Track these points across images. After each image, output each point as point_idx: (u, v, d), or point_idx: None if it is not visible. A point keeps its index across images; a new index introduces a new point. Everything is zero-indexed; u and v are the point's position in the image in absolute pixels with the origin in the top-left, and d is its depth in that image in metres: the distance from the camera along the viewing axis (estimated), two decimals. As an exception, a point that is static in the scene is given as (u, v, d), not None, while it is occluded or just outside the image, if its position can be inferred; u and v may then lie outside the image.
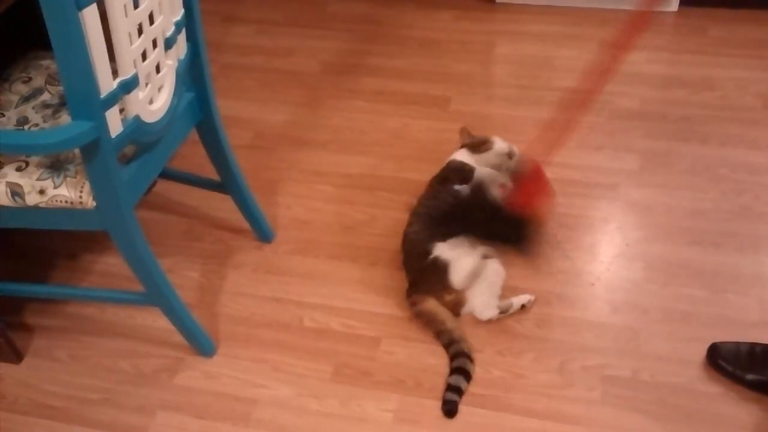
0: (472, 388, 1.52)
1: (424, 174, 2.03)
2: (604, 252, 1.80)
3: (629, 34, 1.40)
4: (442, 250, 1.62)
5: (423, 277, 1.64)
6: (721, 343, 1.51)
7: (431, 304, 1.62)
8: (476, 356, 1.57)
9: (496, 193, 1.64)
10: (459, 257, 1.61)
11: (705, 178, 1.98)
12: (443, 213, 1.67)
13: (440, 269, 1.61)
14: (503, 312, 1.63)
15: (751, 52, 2.45)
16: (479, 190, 1.67)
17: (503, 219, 1.56)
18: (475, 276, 1.61)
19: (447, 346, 1.58)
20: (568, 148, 2.09)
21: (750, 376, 1.45)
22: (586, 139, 2.13)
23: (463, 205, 1.67)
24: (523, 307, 1.66)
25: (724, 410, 1.45)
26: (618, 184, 1.98)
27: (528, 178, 1.57)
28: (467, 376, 1.52)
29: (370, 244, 1.86)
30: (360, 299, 1.72)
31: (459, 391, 1.50)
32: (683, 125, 2.16)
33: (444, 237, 1.64)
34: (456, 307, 1.63)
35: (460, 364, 1.53)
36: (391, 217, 1.92)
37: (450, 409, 1.48)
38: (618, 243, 1.82)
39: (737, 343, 1.50)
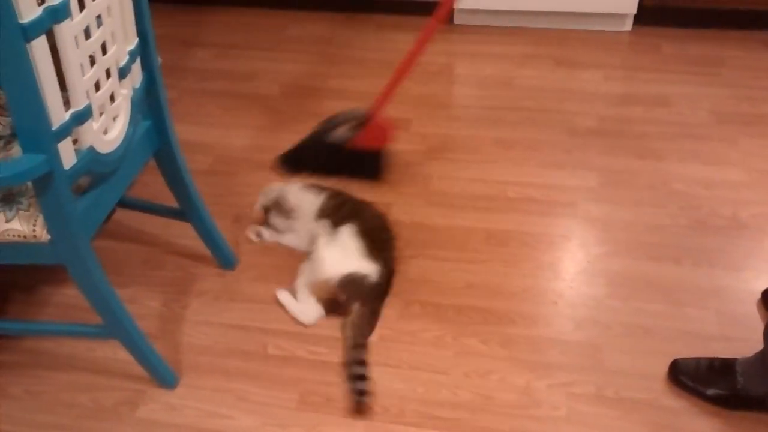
0: (440, 412, 1.51)
1: (388, 196, 2.04)
2: (566, 269, 1.81)
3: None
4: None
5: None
6: (681, 359, 1.53)
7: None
8: (442, 379, 1.57)
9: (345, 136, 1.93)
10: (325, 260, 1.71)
11: (662, 193, 2.02)
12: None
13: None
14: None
15: (703, 69, 2.52)
16: (325, 132, 1.95)
17: (350, 157, 1.92)
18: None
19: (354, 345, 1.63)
20: (528, 167, 2.11)
21: (710, 391, 1.48)
22: (545, 158, 2.16)
23: (314, 144, 1.96)
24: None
25: (687, 424, 1.46)
26: (577, 202, 2.00)
27: (370, 121, 1.89)
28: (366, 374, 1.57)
29: (334, 267, 1.85)
30: (325, 324, 1.71)
31: (365, 378, 1.55)
32: (640, 142, 2.20)
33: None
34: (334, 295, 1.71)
35: (359, 356, 1.59)
36: (354, 240, 1.92)
37: (360, 408, 1.52)
38: (579, 260, 1.84)
39: (697, 359, 1.52)
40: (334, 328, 1.69)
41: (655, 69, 2.53)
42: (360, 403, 1.52)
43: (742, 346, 1.56)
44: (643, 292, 1.74)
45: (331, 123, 1.91)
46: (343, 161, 1.97)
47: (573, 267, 1.82)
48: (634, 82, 2.47)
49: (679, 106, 2.35)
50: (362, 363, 1.58)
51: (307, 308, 1.71)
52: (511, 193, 2.03)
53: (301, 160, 2.00)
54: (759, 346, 1.43)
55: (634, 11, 2.66)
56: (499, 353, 1.62)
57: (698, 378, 1.49)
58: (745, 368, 1.45)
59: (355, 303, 1.66)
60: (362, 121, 1.88)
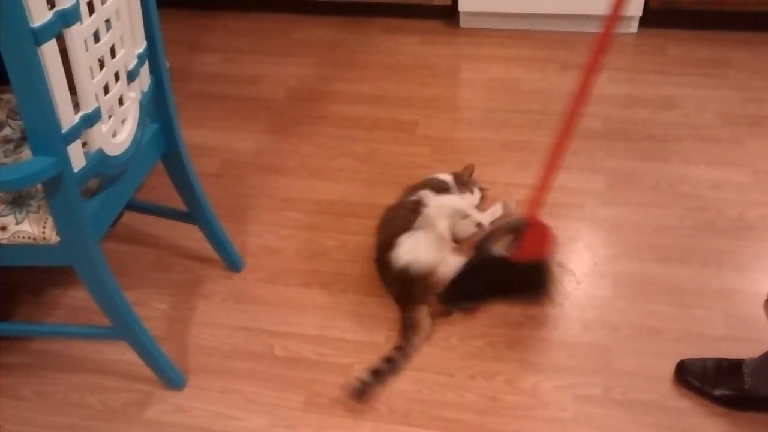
0: (446, 413, 1.52)
1: (393, 199, 2.04)
2: (573, 271, 1.81)
3: (596, 56, 1.43)
4: (400, 256, 1.66)
5: (405, 288, 1.67)
6: (688, 360, 1.53)
7: (421, 313, 1.66)
8: (448, 381, 1.57)
9: (499, 250, 1.63)
10: (414, 246, 1.66)
11: (669, 195, 2.02)
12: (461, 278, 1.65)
13: (412, 274, 1.64)
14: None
15: (709, 71, 2.52)
16: (483, 250, 1.65)
17: (516, 271, 1.58)
18: (439, 244, 1.66)
19: (395, 347, 1.61)
20: (533, 169, 2.11)
21: (717, 392, 1.47)
22: (552, 160, 2.16)
23: (474, 267, 1.65)
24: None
25: (694, 425, 1.46)
26: (584, 204, 2.00)
27: (528, 229, 1.56)
28: (380, 377, 1.55)
29: (341, 270, 1.85)
30: (331, 326, 1.71)
31: (366, 384, 1.53)
32: (646, 144, 2.20)
33: (394, 245, 1.68)
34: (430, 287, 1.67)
35: (380, 368, 1.56)
36: (360, 243, 1.92)
37: (356, 391, 1.52)
38: (586, 261, 1.84)
39: (704, 360, 1.52)
40: (340, 329, 1.70)
41: (661, 71, 2.53)
42: (356, 393, 1.52)
43: (750, 347, 1.55)
44: (650, 293, 1.74)
45: (488, 241, 1.64)
46: (507, 277, 1.64)
47: (580, 268, 1.82)
48: (640, 84, 2.47)
49: (686, 108, 2.35)
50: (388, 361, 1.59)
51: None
52: (518, 196, 2.03)
53: (467, 291, 1.68)
54: (766, 346, 1.43)
55: (640, 13, 2.66)
56: (505, 355, 1.62)
57: (705, 379, 1.49)
58: (753, 369, 1.45)
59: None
60: (520, 230, 1.58)
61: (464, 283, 1.63)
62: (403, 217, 1.75)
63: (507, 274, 1.60)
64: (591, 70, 1.38)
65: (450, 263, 1.66)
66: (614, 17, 1.39)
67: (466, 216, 1.83)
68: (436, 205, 1.77)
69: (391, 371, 1.58)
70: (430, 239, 1.66)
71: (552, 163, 1.48)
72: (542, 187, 1.51)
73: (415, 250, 1.66)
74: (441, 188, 1.84)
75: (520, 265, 1.58)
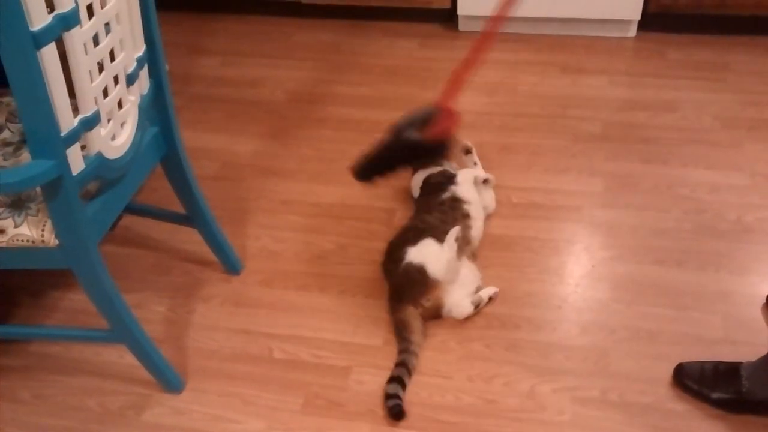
0: (444, 416, 1.52)
1: (391, 202, 2.05)
2: (571, 273, 1.82)
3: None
4: (413, 254, 1.66)
5: (401, 284, 1.68)
6: (686, 363, 1.53)
7: (408, 314, 1.65)
8: (446, 383, 1.57)
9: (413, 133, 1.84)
10: (431, 254, 1.66)
11: (667, 198, 2.02)
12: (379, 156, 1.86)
13: (415, 274, 1.65)
14: (476, 306, 1.69)
15: (708, 75, 2.52)
16: (398, 133, 1.85)
17: (426, 146, 1.85)
18: (454, 268, 1.67)
19: (399, 351, 1.61)
20: (533, 172, 2.12)
21: (715, 395, 1.48)
22: (550, 163, 2.16)
23: (389, 148, 1.86)
24: (490, 299, 1.73)
25: (692, 428, 1.46)
26: (582, 206, 2.01)
27: (440, 114, 1.82)
28: (403, 385, 1.55)
29: (339, 273, 1.86)
30: (330, 329, 1.72)
31: (398, 397, 1.52)
32: (645, 147, 2.21)
33: (414, 240, 1.70)
34: (436, 312, 1.68)
35: (399, 374, 1.56)
36: (359, 246, 1.93)
37: (398, 412, 1.50)
38: (584, 264, 1.84)
39: (702, 363, 1.52)
40: (338, 332, 1.70)
41: (659, 75, 2.54)
42: (397, 411, 1.51)
43: (748, 350, 1.56)
44: (648, 296, 1.75)
45: (401, 126, 1.87)
46: (415, 155, 1.95)
47: (578, 271, 1.82)
48: (638, 87, 2.48)
49: (684, 112, 2.35)
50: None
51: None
52: (516, 199, 2.03)
53: (377, 168, 1.91)
54: (765, 350, 1.44)
55: (638, 17, 2.67)
56: (503, 357, 1.63)
57: (703, 382, 1.49)
58: (751, 372, 1.45)
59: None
60: (431, 116, 1.84)
61: (378, 160, 1.86)
62: (438, 213, 1.80)
63: (415, 150, 1.87)
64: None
65: (454, 296, 1.68)
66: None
67: (485, 180, 1.96)
68: (466, 181, 1.89)
69: (410, 374, 1.57)
70: (451, 258, 1.66)
71: (471, 58, 1.77)
72: (458, 77, 1.81)
73: (434, 257, 1.66)
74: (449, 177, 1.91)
75: (427, 142, 1.83)
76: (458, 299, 1.68)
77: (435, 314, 1.68)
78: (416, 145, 1.84)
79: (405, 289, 1.68)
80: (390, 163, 1.89)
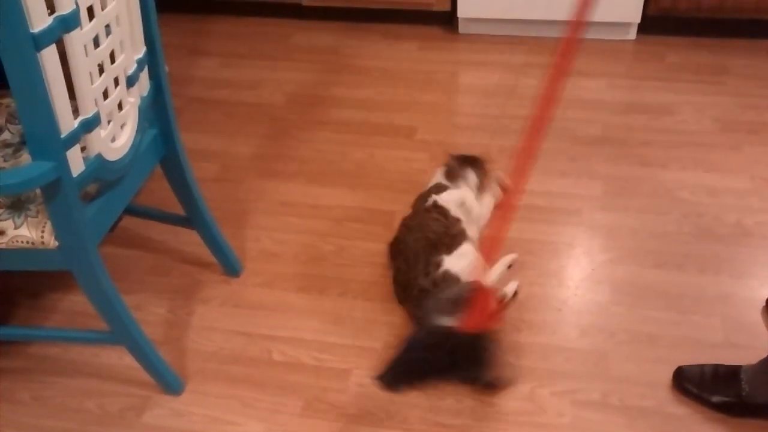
0: (444, 419, 1.52)
1: (391, 204, 2.05)
2: (571, 276, 1.82)
3: (565, 58, 1.42)
4: (450, 263, 1.65)
5: (430, 290, 1.62)
6: (686, 366, 1.53)
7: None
8: (447, 385, 1.57)
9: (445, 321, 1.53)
10: (471, 268, 1.65)
11: (667, 201, 2.02)
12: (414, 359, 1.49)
13: (451, 283, 1.63)
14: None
15: (707, 78, 2.52)
16: (427, 323, 1.57)
17: (461, 344, 1.45)
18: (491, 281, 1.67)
19: None
20: (532, 175, 2.12)
21: (715, 398, 1.47)
22: (549, 166, 2.16)
23: (418, 343, 1.50)
24: (515, 294, 1.73)
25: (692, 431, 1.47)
26: (582, 209, 2.01)
27: (476, 299, 1.47)
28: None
29: (339, 275, 1.86)
30: (330, 331, 1.71)
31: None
32: (644, 150, 2.21)
33: (449, 250, 1.67)
34: None
35: None
36: (359, 248, 1.93)
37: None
38: (584, 267, 1.84)
39: (701, 366, 1.52)
40: (338, 334, 1.70)
41: (659, 77, 2.54)
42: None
43: (748, 353, 1.55)
44: (648, 299, 1.74)
45: (431, 312, 1.54)
46: (453, 351, 1.47)
47: (577, 274, 1.82)
48: (638, 90, 2.48)
49: (684, 115, 2.36)
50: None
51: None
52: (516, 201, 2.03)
53: (410, 371, 1.49)
54: (764, 353, 1.44)
55: (638, 20, 2.67)
56: (503, 360, 1.62)
57: (703, 385, 1.49)
58: (750, 376, 1.45)
59: None
60: (466, 297, 1.49)
61: (408, 361, 1.46)
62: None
63: (453, 348, 1.45)
64: (558, 74, 1.39)
65: None
66: (579, 23, 1.38)
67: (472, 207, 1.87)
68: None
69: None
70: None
71: (510, 207, 1.48)
72: (497, 236, 1.46)
73: (471, 269, 1.64)
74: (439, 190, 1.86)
75: (465, 338, 1.45)
76: None
77: None
78: (452, 337, 1.46)
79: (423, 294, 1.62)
80: (422, 368, 1.48)
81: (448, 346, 1.44)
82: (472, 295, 1.47)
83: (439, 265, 1.65)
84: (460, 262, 1.66)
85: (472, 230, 1.79)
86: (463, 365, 1.48)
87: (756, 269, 1.81)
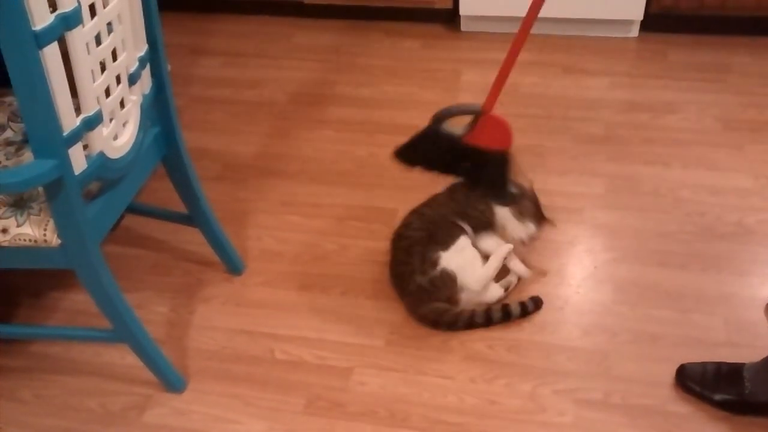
0: (446, 417, 1.51)
1: (393, 202, 2.05)
2: (573, 275, 1.82)
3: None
4: (447, 260, 1.65)
5: (428, 288, 1.65)
6: (688, 364, 1.53)
7: (433, 304, 1.67)
8: (448, 384, 1.57)
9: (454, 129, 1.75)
10: (468, 265, 1.67)
11: (669, 200, 2.02)
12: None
13: (449, 280, 1.65)
14: (506, 289, 1.74)
15: (709, 76, 2.52)
16: (439, 123, 1.77)
17: (471, 155, 1.74)
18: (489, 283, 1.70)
19: (454, 318, 1.65)
20: (534, 173, 2.12)
21: (718, 396, 1.47)
22: (552, 164, 2.16)
23: (428, 136, 1.78)
24: (519, 279, 1.76)
25: (694, 430, 1.46)
26: (584, 208, 2.00)
27: (483, 118, 1.73)
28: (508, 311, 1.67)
29: (341, 273, 1.86)
30: (332, 329, 1.71)
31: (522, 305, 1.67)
32: (646, 148, 2.21)
33: (445, 245, 1.67)
34: (453, 303, 1.69)
35: (499, 308, 1.67)
36: (361, 246, 1.93)
37: (537, 299, 1.69)
38: (586, 266, 1.84)
39: (704, 364, 1.52)
40: (340, 333, 1.70)
41: (661, 75, 2.54)
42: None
43: (750, 352, 1.55)
44: (650, 298, 1.74)
45: (443, 115, 1.75)
46: (461, 158, 1.79)
47: (580, 273, 1.82)
48: (640, 88, 2.48)
49: (686, 113, 2.35)
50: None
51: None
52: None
53: (416, 154, 1.84)
54: (766, 351, 1.43)
55: (641, 18, 2.66)
56: (505, 358, 1.62)
57: (705, 383, 1.49)
58: (753, 374, 1.45)
59: None
60: (476, 116, 1.73)
61: (418, 147, 1.79)
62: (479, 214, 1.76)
63: (460, 154, 1.75)
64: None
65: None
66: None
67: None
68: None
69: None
70: (491, 275, 1.69)
71: (509, 59, 1.68)
72: (498, 81, 1.69)
73: (468, 268, 1.67)
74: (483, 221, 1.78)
75: (474, 151, 1.73)
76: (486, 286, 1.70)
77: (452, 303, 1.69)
78: (456, 144, 1.74)
79: (434, 292, 1.66)
80: (430, 154, 1.80)
81: (455, 149, 1.74)
82: (482, 116, 1.71)
83: (436, 263, 1.65)
84: (457, 258, 1.66)
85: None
86: (478, 177, 1.78)
87: (758, 268, 1.80)
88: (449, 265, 1.64)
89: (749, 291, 1.74)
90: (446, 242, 1.67)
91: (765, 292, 1.73)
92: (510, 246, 1.72)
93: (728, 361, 1.52)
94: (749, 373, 1.46)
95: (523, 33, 1.65)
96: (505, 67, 1.67)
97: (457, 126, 1.74)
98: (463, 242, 1.68)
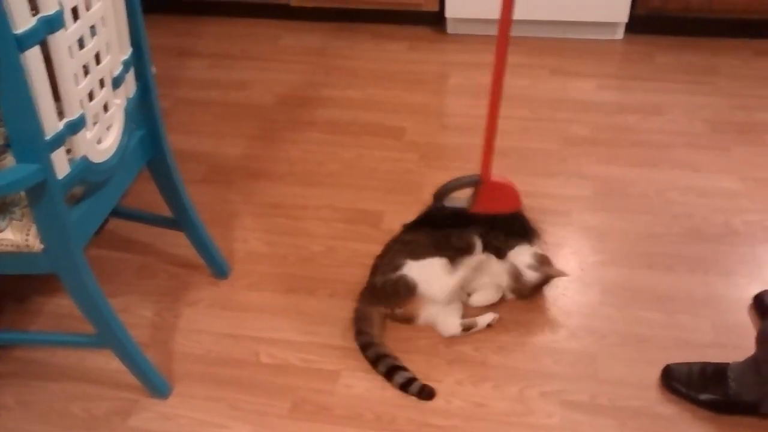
0: (433, 420, 1.51)
1: (380, 204, 2.04)
2: (560, 277, 1.81)
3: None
4: (411, 269, 1.65)
5: (383, 288, 1.67)
6: (674, 365, 1.54)
7: (375, 310, 1.67)
8: (435, 386, 1.57)
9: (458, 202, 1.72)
10: (433, 275, 1.65)
11: (657, 202, 2.03)
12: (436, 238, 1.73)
13: (402, 287, 1.64)
14: (466, 330, 1.66)
15: (696, 78, 2.53)
16: (441, 202, 1.72)
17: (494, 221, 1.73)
18: (455, 294, 1.67)
19: (364, 345, 1.62)
20: (522, 175, 2.12)
21: (703, 396, 1.48)
22: (539, 166, 2.16)
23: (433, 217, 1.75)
24: (488, 326, 1.69)
25: (681, 431, 1.46)
26: (571, 210, 2.01)
27: (483, 186, 1.69)
28: (406, 369, 1.57)
29: (328, 276, 1.85)
30: (318, 332, 1.71)
31: (415, 379, 1.55)
32: (634, 150, 2.21)
33: (418, 256, 1.67)
34: (406, 320, 1.68)
35: (393, 363, 1.58)
36: (348, 248, 1.92)
37: (429, 390, 1.55)
38: (573, 268, 1.84)
39: (689, 364, 1.52)
40: (327, 336, 1.69)
41: (648, 78, 2.55)
42: (427, 392, 1.55)
43: (737, 353, 1.56)
44: (638, 300, 1.75)
45: (443, 192, 1.71)
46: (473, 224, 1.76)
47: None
48: (627, 90, 2.49)
49: (673, 115, 2.36)
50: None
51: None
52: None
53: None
54: (752, 352, 1.44)
55: (626, 20, 2.68)
56: (492, 361, 1.62)
57: (691, 384, 1.49)
58: (737, 374, 1.46)
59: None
60: (476, 185, 1.69)
61: (426, 226, 1.75)
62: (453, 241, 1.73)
63: (471, 225, 1.74)
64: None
65: (441, 313, 1.67)
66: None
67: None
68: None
69: (396, 359, 1.60)
70: (457, 285, 1.66)
71: (490, 125, 1.64)
72: (486, 144, 1.65)
73: (435, 279, 1.65)
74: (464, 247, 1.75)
75: (484, 218, 1.72)
76: (445, 317, 1.66)
77: (404, 321, 1.68)
78: (463, 215, 1.71)
79: (385, 293, 1.67)
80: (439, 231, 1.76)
81: (466, 217, 1.71)
82: (482, 184, 1.67)
83: (398, 268, 1.65)
84: (422, 270, 1.65)
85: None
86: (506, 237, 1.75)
87: (744, 268, 1.81)
88: (411, 274, 1.64)
89: (736, 292, 1.75)
90: (419, 255, 1.67)
91: (751, 292, 1.74)
92: (482, 257, 1.71)
93: (715, 361, 1.52)
94: (733, 373, 1.46)
95: (498, 81, 1.67)
96: (489, 128, 1.64)
97: (459, 199, 1.72)
98: (437, 261, 1.67)
